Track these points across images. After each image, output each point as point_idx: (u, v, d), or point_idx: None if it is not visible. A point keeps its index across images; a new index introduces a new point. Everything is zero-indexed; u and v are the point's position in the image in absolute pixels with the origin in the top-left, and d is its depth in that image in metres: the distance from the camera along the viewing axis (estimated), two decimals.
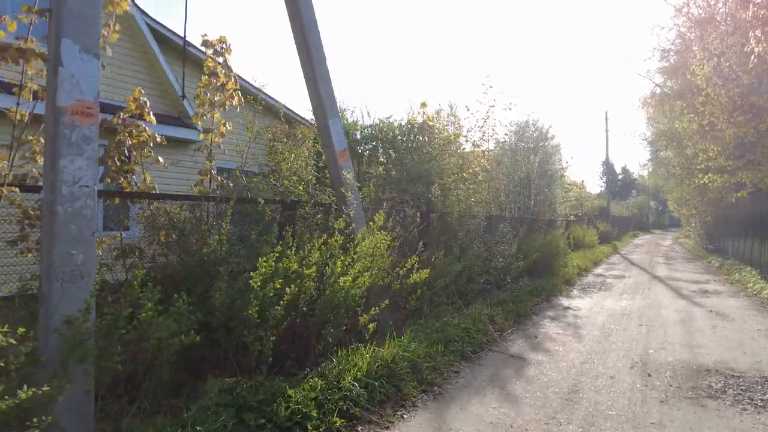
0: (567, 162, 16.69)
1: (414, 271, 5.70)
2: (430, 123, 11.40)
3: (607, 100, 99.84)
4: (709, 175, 11.62)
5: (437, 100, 34.49)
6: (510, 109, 15.16)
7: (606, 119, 29.10)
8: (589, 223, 23.32)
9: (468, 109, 14.98)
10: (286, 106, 11.33)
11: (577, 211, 36.52)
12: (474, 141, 15.13)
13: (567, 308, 8.29)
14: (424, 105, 11.22)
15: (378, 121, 11.32)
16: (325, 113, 5.71)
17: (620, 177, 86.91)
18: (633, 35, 55.94)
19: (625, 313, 7.78)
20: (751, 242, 13.18)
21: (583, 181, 43.75)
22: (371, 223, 5.42)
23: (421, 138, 11.37)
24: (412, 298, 5.97)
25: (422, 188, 9.21)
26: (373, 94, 76.64)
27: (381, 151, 11.51)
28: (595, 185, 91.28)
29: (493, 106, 14.64)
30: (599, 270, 14.34)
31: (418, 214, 7.50)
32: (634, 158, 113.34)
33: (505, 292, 8.52)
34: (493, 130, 15.02)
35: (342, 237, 4.62)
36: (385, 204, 6.90)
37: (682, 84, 15.47)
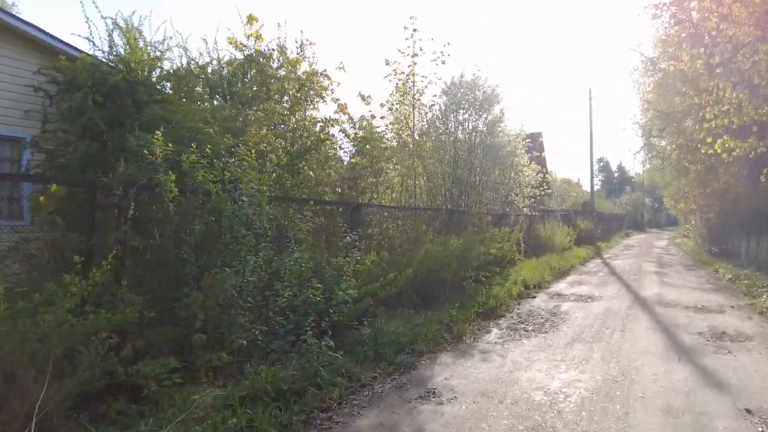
0: (524, 136, 12.19)
1: None
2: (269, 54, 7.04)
3: (600, 95, 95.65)
4: (725, 138, 7.24)
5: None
6: (443, 61, 10.77)
7: (590, 98, 24.65)
8: (567, 221, 18.94)
9: (388, 63, 10.64)
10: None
11: (565, 205, 32.28)
12: (392, 105, 10.85)
13: (424, 397, 3.84)
14: (252, 20, 6.83)
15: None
16: None
17: (616, 175, 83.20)
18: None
19: (555, 416, 3.39)
20: None
21: (579, 180, 39.58)
22: None
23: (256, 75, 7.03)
24: None
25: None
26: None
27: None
28: (588, 183, 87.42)
29: (416, 55, 10.44)
30: (561, 285, 9.94)
31: None
32: (629, 154, 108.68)
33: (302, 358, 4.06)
34: (418, 92, 10.74)
35: None
36: None
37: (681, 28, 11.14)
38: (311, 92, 7.40)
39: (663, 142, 23.51)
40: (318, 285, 4.38)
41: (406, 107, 10.88)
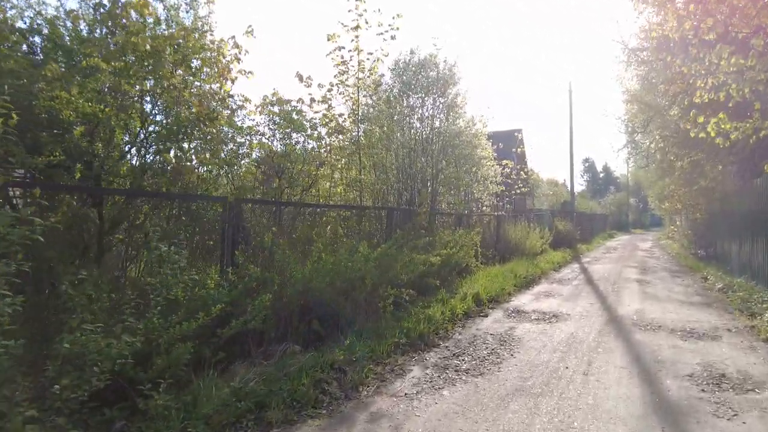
0: (484, 123, 10.53)
1: None
2: None
3: (586, 97, 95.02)
4: (720, 117, 5.68)
5: None
6: (392, 36, 9.11)
7: (570, 91, 23.22)
8: (543, 221, 17.43)
9: (329, 39, 8.94)
10: None
11: (548, 204, 30.92)
12: (332, 86, 9.18)
13: None
14: None
15: None
16: None
17: (601, 176, 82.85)
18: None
19: None
20: None
21: (564, 180, 38.26)
22: None
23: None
24: None
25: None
26: None
27: None
28: (576, 183, 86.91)
29: (360, 27, 8.79)
30: (524, 298, 8.33)
31: None
32: (614, 155, 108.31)
33: None
34: (362, 69, 9.07)
35: None
36: None
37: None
38: (192, 55, 5.66)
39: (647, 141, 22.33)
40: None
41: (350, 89, 9.20)
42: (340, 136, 8.64)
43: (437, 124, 9.34)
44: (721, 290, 9.07)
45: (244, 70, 6.19)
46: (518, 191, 17.10)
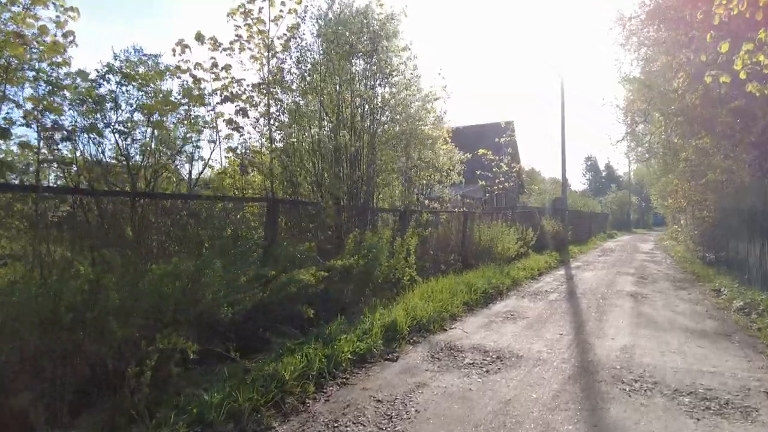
0: (435, 96, 8.12)
1: None
2: None
3: (588, 95, 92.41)
4: (762, 34, 3.42)
5: None
6: None
7: (561, 86, 20.83)
8: (526, 220, 15.15)
9: None
10: None
11: (541, 203, 28.52)
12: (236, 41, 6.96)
13: None
14: None
15: None
16: None
17: (603, 174, 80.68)
18: None
19: None
20: None
21: (567, 179, 35.82)
22: None
23: None
24: None
25: None
26: None
27: None
28: (577, 182, 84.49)
29: None
30: (471, 324, 6.04)
31: None
32: (617, 154, 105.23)
33: None
34: (275, 19, 6.86)
35: None
36: None
37: None
38: None
39: (648, 135, 20.12)
40: None
41: (258, 49, 6.95)
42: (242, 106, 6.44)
43: (361, 88, 7.06)
44: (741, 311, 6.78)
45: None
46: (500, 186, 14.78)
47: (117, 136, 4.67)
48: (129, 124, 4.78)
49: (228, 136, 6.20)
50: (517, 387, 3.81)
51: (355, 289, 5.43)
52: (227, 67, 6.10)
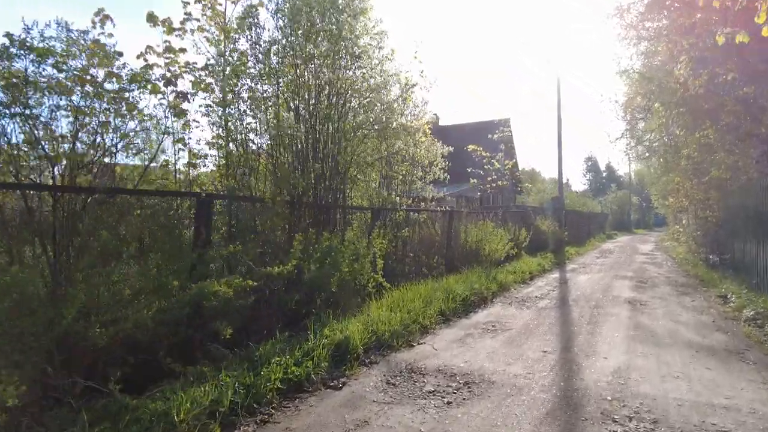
0: (408, 82, 7.27)
1: None
2: None
3: (588, 96, 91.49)
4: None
5: None
6: None
7: (558, 85, 20.03)
8: (520, 220, 14.35)
9: None
10: None
11: (538, 202, 27.70)
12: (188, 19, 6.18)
13: None
14: None
15: None
16: None
17: (604, 174, 79.93)
18: None
19: None
20: None
21: (568, 180, 35.10)
22: None
23: None
24: None
25: None
26: None
27: None
28: (578, 183, 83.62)
29: None
30: (444, 337, 5.25)
31: None
32: (618, 154, 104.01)
33: None
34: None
35: None
36: None
37: None
38: None
39: (648, 133, 19.32)
40: None
41: (216, 30, 6.16)
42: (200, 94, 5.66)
43: (324, 71, 6.27)
44: (752, 322, 5.98)
45: None
46: (492, 184, 13.97)
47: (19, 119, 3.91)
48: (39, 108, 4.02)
49: (185, 126, 5.43)
50: (480, 428, 3.02)
51: (304, 299, 4.65)
52: (177, 51, 5.31)
